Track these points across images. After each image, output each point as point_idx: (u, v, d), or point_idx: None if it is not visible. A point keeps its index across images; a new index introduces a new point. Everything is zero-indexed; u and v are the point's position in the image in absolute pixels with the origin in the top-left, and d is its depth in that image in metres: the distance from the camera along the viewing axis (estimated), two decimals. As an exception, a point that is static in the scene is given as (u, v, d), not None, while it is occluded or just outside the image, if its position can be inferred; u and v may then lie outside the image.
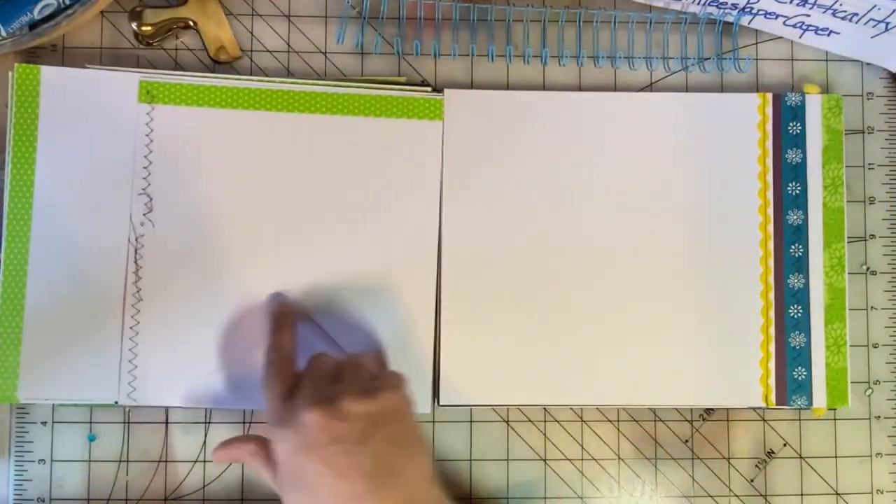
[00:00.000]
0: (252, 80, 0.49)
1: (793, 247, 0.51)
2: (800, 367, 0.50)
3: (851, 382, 0.51)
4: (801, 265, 0.50)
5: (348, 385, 0.41)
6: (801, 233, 0.51)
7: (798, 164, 0.51)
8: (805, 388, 0.50)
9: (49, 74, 0.48)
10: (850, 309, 0.51)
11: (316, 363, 0.44)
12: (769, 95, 0.51)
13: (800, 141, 0.51)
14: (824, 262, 0.50)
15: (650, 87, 0.52)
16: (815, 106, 0.51)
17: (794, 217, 0.51)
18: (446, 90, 0.50)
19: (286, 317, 0.47)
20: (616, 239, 0.50)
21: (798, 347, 0.50)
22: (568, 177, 0.50)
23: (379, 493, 0.39)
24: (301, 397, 0.41)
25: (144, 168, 0.49)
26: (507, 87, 0.52)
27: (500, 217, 0.50)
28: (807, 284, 0.50)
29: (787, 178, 0.51)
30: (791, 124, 0.51)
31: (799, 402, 0.50)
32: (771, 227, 0.51)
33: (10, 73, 0.48)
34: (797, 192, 0.51)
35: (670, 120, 0.51)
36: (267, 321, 0.48)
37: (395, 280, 0.49)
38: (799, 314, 0.50)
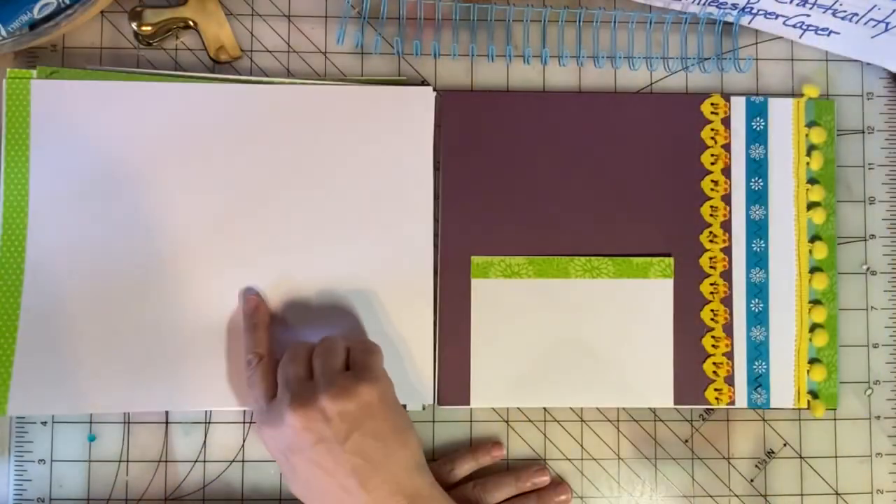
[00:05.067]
0: (250, 80, 0.49)
1: (754, 242, 0.51)
2: (759, 362, 0.50)
3: (852, 382, 0.51)
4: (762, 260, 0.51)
5: (325, 382, 0.42)
6: (762, 228, 0.51)
7: (761, 160, 0.51)
8: (764, 379, 0.50)
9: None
10: (850, 309, 0.51)
11: (289, 354, 0.44)
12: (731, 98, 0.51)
13: (762, 137, 0.51)
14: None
15: (650, 87, 0.52)
16: (780, 105, 0.51)
17: (756, 212, 0.51)
18: (442, 92, 0.50)
19: (259, 313, 0.47)
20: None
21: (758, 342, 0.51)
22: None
23: (366, 486, 0.41)
24: (282, 399, 0.42)
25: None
26: (507, 88, 0.52)
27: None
28: (767, 279, 0.51)
29: (751, 173, 0.51)
30: (755, 120, 0.51)
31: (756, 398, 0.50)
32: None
33: (1, 80, 0.48)
34: (759, 187, 0.51)
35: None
36: (243, 320, 0.48)
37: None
38: (759, 308, 0.51)
